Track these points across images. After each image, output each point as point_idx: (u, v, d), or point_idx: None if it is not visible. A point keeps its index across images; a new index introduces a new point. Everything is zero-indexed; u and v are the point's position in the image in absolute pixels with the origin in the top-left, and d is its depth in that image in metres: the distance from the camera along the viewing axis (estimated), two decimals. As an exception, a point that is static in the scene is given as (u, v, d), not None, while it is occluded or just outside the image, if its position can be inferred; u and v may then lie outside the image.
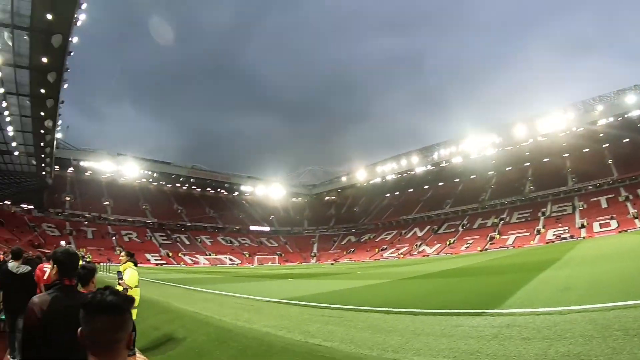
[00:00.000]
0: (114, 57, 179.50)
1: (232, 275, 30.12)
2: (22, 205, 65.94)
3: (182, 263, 66.02)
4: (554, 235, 52.43)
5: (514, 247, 53.20)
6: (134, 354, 6.23)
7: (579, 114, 57.40)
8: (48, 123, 34.10)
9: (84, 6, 23.92)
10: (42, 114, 32.45)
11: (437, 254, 61.46)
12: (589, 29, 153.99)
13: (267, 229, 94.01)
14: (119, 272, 6.98)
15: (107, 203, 77.51)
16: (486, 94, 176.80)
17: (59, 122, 37.31)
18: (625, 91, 52.60)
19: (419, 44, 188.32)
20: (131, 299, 1.66)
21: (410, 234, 77.93)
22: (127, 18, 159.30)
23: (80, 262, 3.47)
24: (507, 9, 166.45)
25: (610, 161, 63.19)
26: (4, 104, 30.29)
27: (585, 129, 59.32)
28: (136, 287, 6.52)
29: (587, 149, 67.65)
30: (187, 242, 78.18)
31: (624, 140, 62.22)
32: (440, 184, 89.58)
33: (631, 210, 49.12)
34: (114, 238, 68.42)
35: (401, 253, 67.94)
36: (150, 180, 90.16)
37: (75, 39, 25.90)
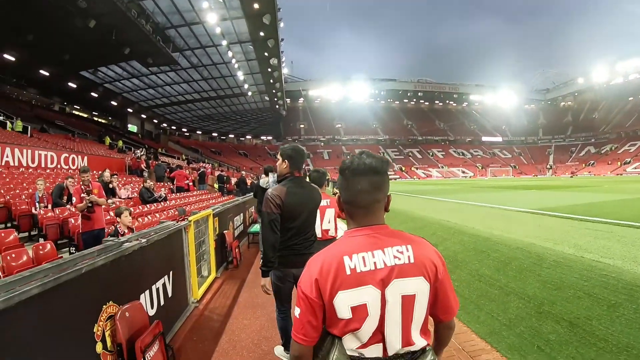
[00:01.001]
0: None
1: (469, 187, 28.59)
2: (262, 138, 77.47)
3: (415, 177, 67.21)
4: None
5: None
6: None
7: None
8: (273, 61, 36.53)
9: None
10: (266, 54, 34.84)
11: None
12: None
13: (499, 139, 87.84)
14: None
15: (339, 125, 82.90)
16: None
17: (283, 59, 39.27)
18: None
19: None
20: (387, 160, 1.60)
21: (659, 145, 62.30)
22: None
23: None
24: None
25: None
26: (230, 54, 33.42)
27: None
28: None
29: None
30: (419, 156, 78.90)
31: None
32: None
33: None
34: (348, 157, 72.89)
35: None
36: (378, 98, 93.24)
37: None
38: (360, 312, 1.42)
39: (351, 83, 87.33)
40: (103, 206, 6.90)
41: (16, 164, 14.39)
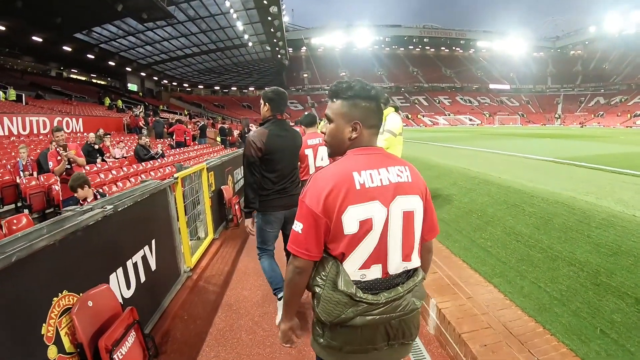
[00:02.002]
0: None
1: (479, 134, 27.53)
2: (265, 88, 73.94)
3: (421, 124, 66.56)
4: None
5: None
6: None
7: None
8: (273, 9, 35.12)
9: None
10: (265, 2, 33.59)
11: None
12: None
13: (507, 87, 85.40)
14: None
15: (343, 74, 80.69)
16: None
17: (283, 7, 38.47)
18: None
19: None
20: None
21: (671, 98, 60.01)
22: None
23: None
24: None
25: None
26: (227, 4, 32.32)
27: None
28: (400, 134, 5.41)
29: None
30: (426, 104, 77.91)
31: None
32: None
33: None
34: None
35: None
36: (382, 45, 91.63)
37: None
38: (366, 226, 1.47)
39: (355, 30, 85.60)
40: (83, 168, 6.24)
41: (6, 133, 13.72)
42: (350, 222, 1.44)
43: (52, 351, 2.04)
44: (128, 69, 48.79)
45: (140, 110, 26.98)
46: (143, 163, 10.99)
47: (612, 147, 14.16)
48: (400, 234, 1.53)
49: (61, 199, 5.94)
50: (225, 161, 7.52)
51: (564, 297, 3.03)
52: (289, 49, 62.26)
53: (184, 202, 5.20)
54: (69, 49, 37.17)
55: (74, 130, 17.52)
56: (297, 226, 1.49)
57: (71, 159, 5.78)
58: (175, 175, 4.40)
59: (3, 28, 29.34)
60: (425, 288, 1.73)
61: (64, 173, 5.72)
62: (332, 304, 1.47)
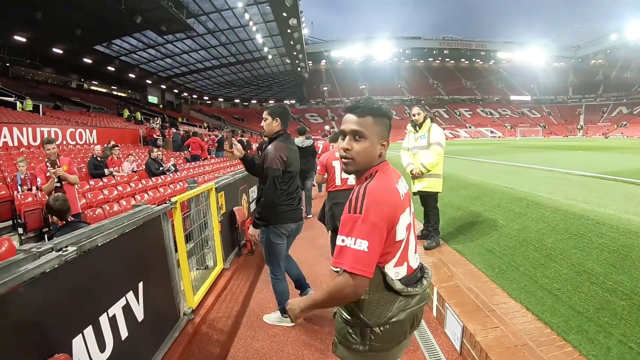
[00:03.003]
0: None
1: (504, 147, 26.22)
2: (285, 102, 74.07)
3: None
4: None
5: None
6: (435, 245, 5.23)
7: None
8: (292, 22, 34.91)
9: None
10: (284, 14, 33.44)
11: None
12: None
13: (528, 98, 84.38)
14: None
15: (363, 86, 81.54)
16: None
17: (303, 19, 38.16)
18: None
19: None
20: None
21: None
22: None
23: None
24: None
25: None
26: (247, 16, 32.17)
27: None
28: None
29: None
30: (446, 116, 77.18)
31: None
32: None
33: None
34: None
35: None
36: (402, 57, 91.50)
37: None
38: (409, 230, 1.64)
39: (374, 42, 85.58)
40: (76, 186, 5.56)
41: (15, 143, 13.20)
42: (401, 229, 1.56)
43: None
44: (148, 81, 48.91)
45: (157, 122, 26.60)
46: (154, 178, 10.37)
47: None
48: (412, 232, 1.70)
49: (50, 221, 5.27)
50: (239, 179, 6.73)
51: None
52: (309, 62, 62.37)
53: (190, 227, 4.49)
54: (89, 61, 37.44)
55: (88, 142, 17.05)
56: (361, 245, 1.42)
57: (61, 177, 5.12)
58: (174, 199, 3.64)
59: (24, 39, 29.57)
60: (488, 351, 1.89)
61: (53, 190, 5.05)
62: (380, 305, 1.56)
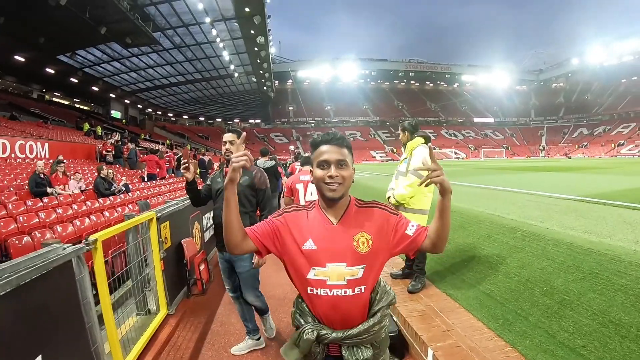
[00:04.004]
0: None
1: (472, 168, 26.37)
2: (250, 121, 76.71)
3: None
4: None
5: None
6: (421, 287, 4.39)
7: None
8: (260, 40, 34.62)
9: None
10: (252, 32, 33.16)
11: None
12: None
13: (491, 120, 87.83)
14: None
15: (328, 107, 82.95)
16: None
17: (270, 38, 37.94)
18: None
19: None
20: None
21: (652, 128, 62.45)
22: None
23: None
24: None
25: None
26: (214, 32, 31.97)
27: None
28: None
29: None
30: None
31: None
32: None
33: None
34: None
35: (644, 150, 55.09)
36: (368, 79, 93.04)
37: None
38: None
39: (341, 63, 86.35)
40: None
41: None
42: None
43: None
44: (112, 95, 47.53)
45: (116, 137, 25.26)
46: (102, 199, 9.33)
47: (628, 180, 13.01)
48: None
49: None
50: (190, 205, 5.69)
51: None
52: (275, 81, 62.33)
53: (127, 265, 3.65)
54: (52, 71, 35.90)
55: (39, 156, 15.81)
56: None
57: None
58: (92, 237, 2.78)
59: (-17, 46, 27.96)
60: None
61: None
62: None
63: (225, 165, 3.47)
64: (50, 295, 2.32)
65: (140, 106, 55.90)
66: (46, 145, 16.72)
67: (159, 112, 62.54)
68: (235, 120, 74.51)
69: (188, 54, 38.04)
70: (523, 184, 12.09)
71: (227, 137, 3.31)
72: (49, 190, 9.43)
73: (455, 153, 70.26)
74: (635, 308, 2.79)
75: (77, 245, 2.62)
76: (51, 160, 13.04)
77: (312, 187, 4.74)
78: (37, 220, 6.83)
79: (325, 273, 1.57)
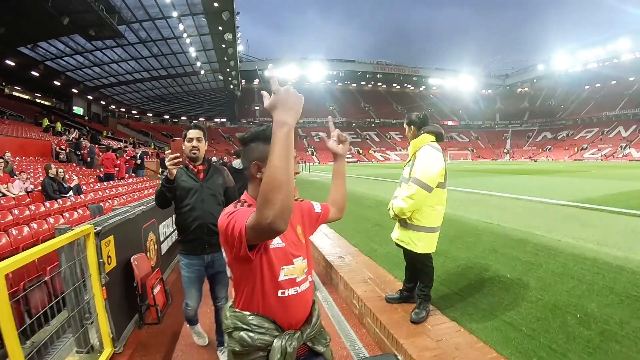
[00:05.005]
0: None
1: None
2: (215, 120, 76.94)
3: (373, 160, 69.42)
4: None
5: None
6: (425, 316, 3.46)
7: None
8: (228, 36, 34.15)
9: None
10: (220, 28, 32.73)
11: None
12: None
13: (456, 123, 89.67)
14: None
15: None
16: None
17: (239, 35, 37.74)
18: None
19: None
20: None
21: (614, 133, 66.97)
22: None
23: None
24: None
25: None
26: (181, 27, 31.24)
27: None
28: (441, 184, 3.39)
29: None
30: (377, 139, 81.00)
31: None
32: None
33: None
34: (305, 140, 74.30)
35: (604, 154, 58.78)
36: (335, 80, 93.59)
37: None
38: None
39: (309, 63, 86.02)
40: None
41: None
42: None
43: None
44: (74, 90, 45.37)
45: (75, 134, 23.84)
46: (49, 202, 8.28)
47: (604, 184, 13.26)
48: None
49: None
50: (143, 212, 4.68)
51: None
52: (242, 80, 61.98)
53: (63, 291, 3.08)
54: (12, 63, 33.88)
55: None
56: None
57: None
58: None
59: (-63, 35, 26.01)
60: None
61: None
62: None
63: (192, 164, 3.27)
64: None
65: (103, 103, 53.97)
66: (-5, 141, 15.46)
67: (123, 109, 60.56)
68: (200, 119, 72.79)
69: (154, 49, 36.90)
70: (507, 188, 11.88)
71: (193, 133, 3.13)
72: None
73: (422, 155, 71.35)
74: None
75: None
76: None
77: None
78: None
79: (294, 271, 1.50)
